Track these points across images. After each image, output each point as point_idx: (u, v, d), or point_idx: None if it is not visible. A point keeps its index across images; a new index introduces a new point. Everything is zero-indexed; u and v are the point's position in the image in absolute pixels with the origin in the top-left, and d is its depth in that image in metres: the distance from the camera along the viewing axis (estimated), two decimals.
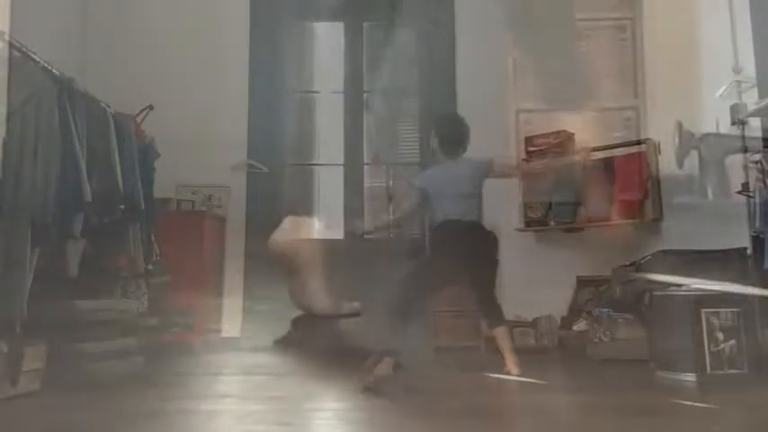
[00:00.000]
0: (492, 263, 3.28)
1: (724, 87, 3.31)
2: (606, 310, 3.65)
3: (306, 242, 3.95)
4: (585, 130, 4.52)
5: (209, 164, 4.67)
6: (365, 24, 5.16)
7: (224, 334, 4.46)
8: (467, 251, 3.13)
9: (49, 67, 2.93)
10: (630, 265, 3.68)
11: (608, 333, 3.54)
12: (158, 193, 3.87)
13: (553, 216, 4.58)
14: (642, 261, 3.52)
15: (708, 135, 3.47)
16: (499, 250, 3.30)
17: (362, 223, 4.43)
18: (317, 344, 3.55)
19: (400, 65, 5.19)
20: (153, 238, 3.66)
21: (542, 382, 3.01)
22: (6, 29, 2.75)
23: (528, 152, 4.70)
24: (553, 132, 4.63)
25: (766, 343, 2.84)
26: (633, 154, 4.39)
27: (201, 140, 4.47)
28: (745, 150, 3.07)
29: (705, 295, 2.89)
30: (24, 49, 2.82)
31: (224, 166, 4.76)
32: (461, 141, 3.44)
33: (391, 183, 4.87)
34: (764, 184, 2.82)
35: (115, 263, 3.40)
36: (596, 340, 3.58)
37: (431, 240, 3.48)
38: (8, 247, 2.60)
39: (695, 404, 2.45)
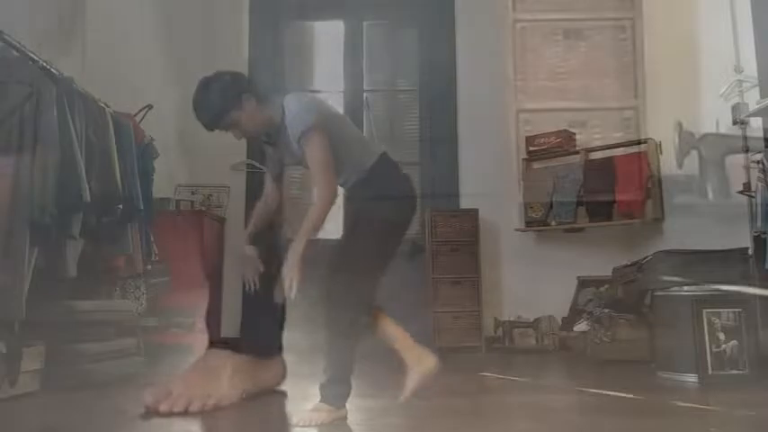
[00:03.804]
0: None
1: (725, 87, 3.30)
2: (607, 310, 3.64)
3: None
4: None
5: (209, 164, 4.66)
6: (365, 23, 5.15)
7: (223, 334, 4.44)
8: None
9: (49, 67, 2.92)
10: (631, 265, 3.67)
11: (609, 333, 3.53)
12: (158, 192, 3.86)
13: (553, 216, 4.57)
14: (643, 261, 3.51)
15: (707, 135, 3.47)
16: None
17: None
18: None
19: (400, 65, 5.19)
20: (152, 238, 3.65)
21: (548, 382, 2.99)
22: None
23: (529, 152, 4.70)
24: (554, 132, 4.63)
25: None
26: (634, 154, 4.39)
27: (201, 140, 4.45)
28: (746, 150, 3.06)
29: (706, 295, 2.89)
30: (23, 49, 2.81)
31: (224, 166, 4.75)
32: None
33: None
34: (765, 183, 2.81)
35: (114, 263, 3.39)
36: (597, 341, 3.57)
37: None
38: (7, 247, 2.59)
39: (696, 405, 2.44)
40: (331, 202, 2.17)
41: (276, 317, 2.61)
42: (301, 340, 2.53)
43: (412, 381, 2.12)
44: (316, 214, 2.14)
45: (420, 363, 2.13)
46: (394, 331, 2.15)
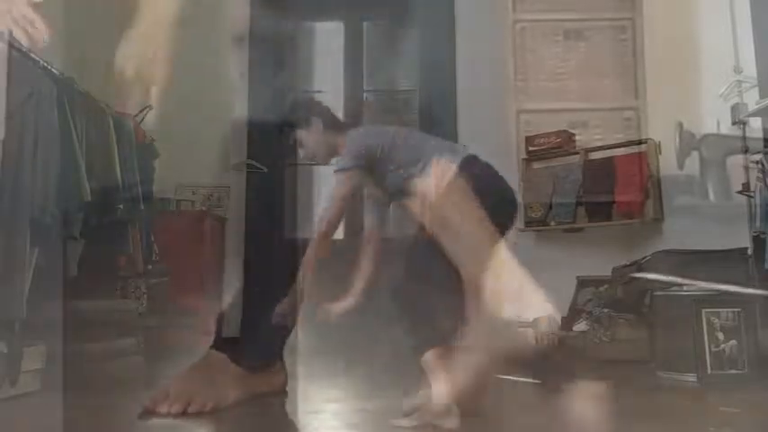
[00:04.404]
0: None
1: (725, 87, 3.31)
2: (606, 310, 3.65)
3: None
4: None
5: (209, 164, 4.66)
6: (365, 24, 5.16)
7: (223, 334, 4.44)
8: None
9: (49, 67, 2.93)
10: (631, 264, 3.67)
11: (608, 333, 3.54)
12: (158, 192, 3.87)
13: (553, 216, 4.58)
14: (643, 261, 3.52)
15: (708, 136, 3.48)
16: None
17: None
18: None
19: (400, 65, 5.20)
20: (152, 237, 3.66)
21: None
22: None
23: (528, 152, 4.70)
24: (554, 132, 4.63)
25: (767, 343, 2.84)
26: (634, 154, 4.39)
27: (201, 140, 4.46)
28: (745, 151, 3.07)
29: (706, 295, 2.89)
30: (24, 49, 2.81)
31: (224, 166, 4.75)
32: None
33: None
34: (765, 184, 2.81)
35: (114, 263, 3.40)
36: (596, 340, 3.58)
37: None
38: (8, 247, 2.59)
39: (695, 404, 2.44)
40: (332, 227, 2.42)
41: (277, 330, 2.57)
42: (301, 341, 2.54)
43: (422, 418, 1.93)
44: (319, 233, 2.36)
45: (445, 415, 1.92)
46: (441, 372, 2.01)
